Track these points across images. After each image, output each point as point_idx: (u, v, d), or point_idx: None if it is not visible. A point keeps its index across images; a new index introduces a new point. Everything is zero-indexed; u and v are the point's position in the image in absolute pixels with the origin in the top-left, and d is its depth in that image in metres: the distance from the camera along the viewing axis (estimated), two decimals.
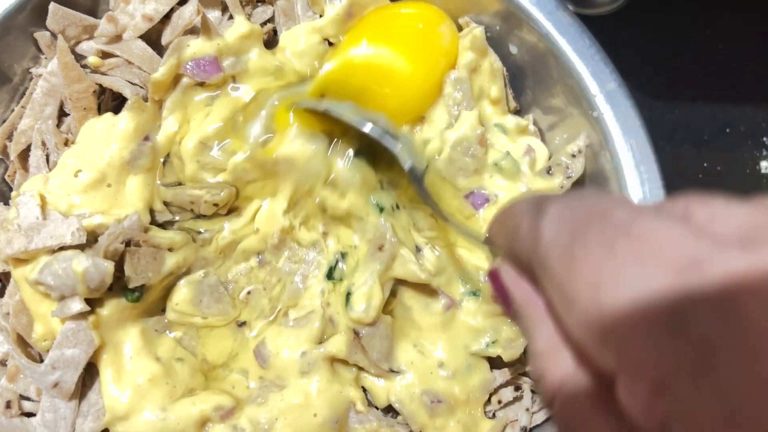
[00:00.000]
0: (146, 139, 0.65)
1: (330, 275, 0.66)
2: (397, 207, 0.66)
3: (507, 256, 0.35)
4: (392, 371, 0.63)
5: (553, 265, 0.28)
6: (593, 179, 0.68)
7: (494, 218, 0.38)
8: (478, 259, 0.65)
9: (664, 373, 0.24)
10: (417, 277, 0.63)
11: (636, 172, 0.63)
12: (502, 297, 0.36)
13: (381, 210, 0.65)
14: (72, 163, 0.64)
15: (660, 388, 0.24)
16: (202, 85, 0.67)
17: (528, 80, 0.73)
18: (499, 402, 0.65)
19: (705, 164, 0.85)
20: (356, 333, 0.62)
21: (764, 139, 0.87)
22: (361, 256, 0.65)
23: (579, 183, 0.68)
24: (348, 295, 0.63)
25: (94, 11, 0.71)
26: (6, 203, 0.70)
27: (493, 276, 0.37)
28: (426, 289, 0.64)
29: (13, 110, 0.69)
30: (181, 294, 0.64)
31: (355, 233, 0.66)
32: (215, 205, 0.65)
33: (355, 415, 0.63)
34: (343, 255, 0.66)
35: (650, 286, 0.24)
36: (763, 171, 0.86)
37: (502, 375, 0.65)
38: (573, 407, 0.29)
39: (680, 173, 0.79)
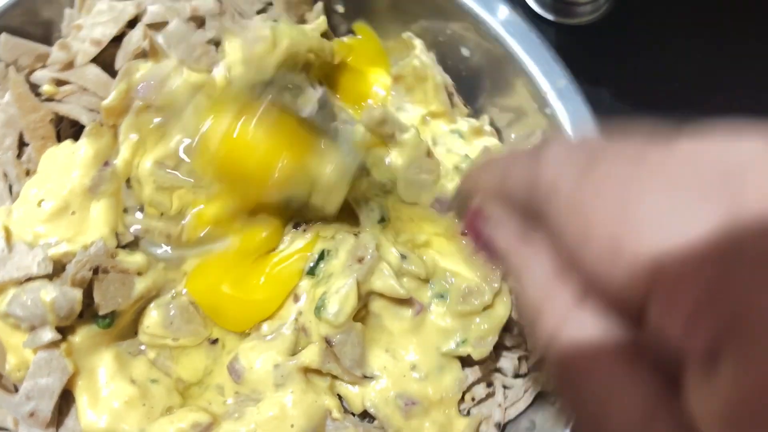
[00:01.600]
0: (106, 164, 0.66)
1: (312, 272, 0.67)
2: (383, 219, 0.67)
3: (493, 200, 0.34)
4: (366, 377, 0.64)
5: (562, 199, 0.27)
6: None
7: (475, 167, 0.37)
8: (448, 262, 0.66)
9: (714, 280, 0.21)
10: (396, 293, 0.63)
11: None
12: (481, 243, 0.35)
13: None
14: (35, 192, 0.64)
15: (710, 296, 0.21)
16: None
17: (484, 80, 0.74)
18: (473, 399, 0.67)
19: None
20: (328, 342, 0.63)
21: None
22: (340, 264, 0.65)
23: None
24: (321, 300, 0.64)
25: (47, 39, 0.71)
26: None
27: (471, 223, 0.36)
28: (396, 299, 0.65)
29: None
30: (151, 317, 0.65)
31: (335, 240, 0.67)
32: (168, 237, 0.66)
33: (332, 422, 0.63)
34: (326, 253, 0.67)
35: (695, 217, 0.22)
36: None
37: (474, 373, 0.66)
38: (575, 351, 0.26)
39: None
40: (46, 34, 0.72)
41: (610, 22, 0.86)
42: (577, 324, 0.26)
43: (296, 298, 0.66)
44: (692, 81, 0.86)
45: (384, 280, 0.63)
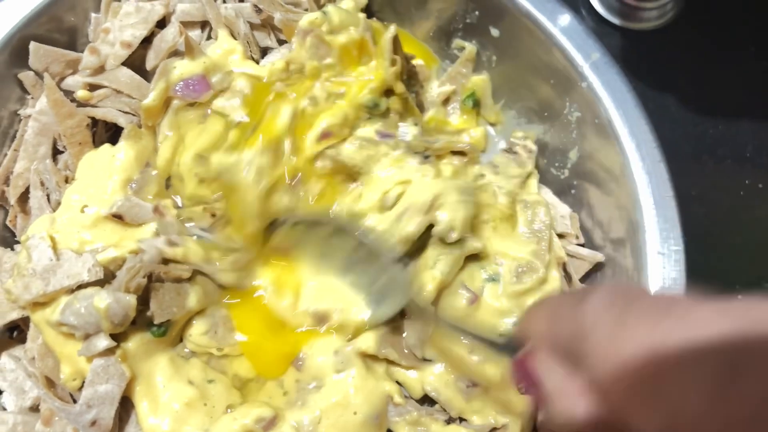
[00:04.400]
0: (147, 165, 0.65)
1: None
2: None
3: (543, 343, 0.41)
4: (425, 360, 0.63)
5: (602, 333, 0.35)
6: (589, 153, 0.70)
7: (528, 313, 0.45)
8: (498, 244, 0.66)
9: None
10: None
11: (632, 141, 0.65)
12: (529, 382, 0.43)
13: None
14: (77, 199, 0.64)
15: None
16: (192, 104, 0.67)
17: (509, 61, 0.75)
18: None
19: (747, 181, 0.83)
20: (402, 315, 0.63)
21: None
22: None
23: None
24: None
25: (72, 46, 0.71)
26: (11, 248, 0.69)
27: (520, 365, 0.44)
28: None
29: (5, 155, 0.69)
30: (196, 327, 0.64)
31: None
32: (213, 215, 0.65)
33: (394, 408, 0.63)
34: None
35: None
36: None
37: None
38: None
39: (722, 188, 0.78)
40: (71, 41, 0.71)
41: (676, 27, 0.85)
42: None
43: None
44: (759, 89, 0.86)
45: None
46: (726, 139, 0.85)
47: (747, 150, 0.85)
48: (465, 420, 0.64)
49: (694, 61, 0.84)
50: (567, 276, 0.67)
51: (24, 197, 0.68)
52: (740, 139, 0.85)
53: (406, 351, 0.64)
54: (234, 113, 0.65)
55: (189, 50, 0.66)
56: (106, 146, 0.66)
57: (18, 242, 0.69)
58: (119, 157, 0.64)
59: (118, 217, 0.63)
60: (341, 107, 0.66)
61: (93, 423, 0.60)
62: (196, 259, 0.63)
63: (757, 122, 0.86)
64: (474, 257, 0.65)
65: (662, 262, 0.63)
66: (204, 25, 0.72)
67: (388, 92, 0.68)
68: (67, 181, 0.67)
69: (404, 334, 0.64)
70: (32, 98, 0.69)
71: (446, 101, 0.76)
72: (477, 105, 0.76)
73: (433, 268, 0.63)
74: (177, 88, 0.66)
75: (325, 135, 0.65)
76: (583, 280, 0.69)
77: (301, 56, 0.68)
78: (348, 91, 0.67)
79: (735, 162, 0.84)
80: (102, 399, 0.60)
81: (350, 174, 0.67)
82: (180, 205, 0.67)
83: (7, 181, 0.68)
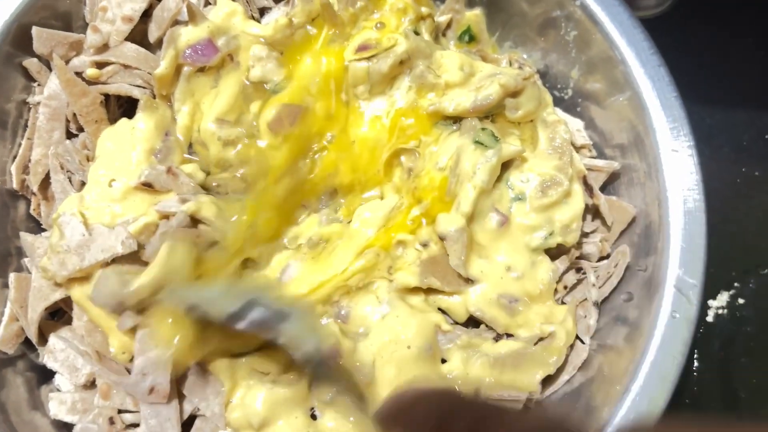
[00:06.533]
0: (167, 134, 0.66)
1: None
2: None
3: None
4: (468, 281, 0.65)
5: None
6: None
7: None
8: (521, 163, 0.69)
9: None
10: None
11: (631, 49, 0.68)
12: None
13: None
14: (103, 173, 0.64)
15: None
16: (202, 70, 0.68)
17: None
18: (565, 287, 0.69)
19: (743, 169, 0.86)
20: (442, 237, 0.65)
21: None
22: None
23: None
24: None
25: (69, 30, 0.71)
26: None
27: None
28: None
29: (20, 144, 0.68)
30: None
31: None
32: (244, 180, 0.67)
33: (443, 335, 0.65)
34: None
35: None
36: None
37: (562, 263, 0.68)
38: None
39: (718, 177, 0.80)
40: (66, 25, 0.71)
41: (673, 16, 0.87)
42: None
43: None
44: (757, 78, 0.88)
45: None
46: (723, 127, 0.87)
47: (744, 139, 0.87)
48: (512, 335, 0.66)
49: (692, 50, 0.85)
50: (588, 187, 0.70)
51: (45, 184, 0.68)
52: (737, 128, 0.88)
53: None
54: (275, 75, 0.67)
55: (192, 16, 0.67)
56: (124, 120, 0.66)
57: (44, 230, 0.69)
58: (139, 127, 0.65)
59: (147, 186, 0.63)
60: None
61: (151, 390, 0.61)
62: (208, 214, 0.64)
63: (754, 111, 0.88)
64: (503, 173, 0.67)
65: (676, 159, 0.66)
66: None
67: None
68: (88, 160, 0.67)
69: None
70: (38, 85, 0.69)
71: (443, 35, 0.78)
72: (473, 40, 0.78)
73: (473, 177, 0.65)
74: (186, 54, 0.66)
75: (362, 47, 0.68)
76: (602, 189, 0.71)
77: (303, 11, 0.69)
78: (387, 24, 0.69)
79: (732, 150, 0.87)
80: (154, 365, 0.60)
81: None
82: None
83: (25, 170, 0.68)
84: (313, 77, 0.68)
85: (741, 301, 0.81)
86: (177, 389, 0.62)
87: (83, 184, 0.66)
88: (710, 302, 0.80)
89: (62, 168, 0.67)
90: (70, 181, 0.67)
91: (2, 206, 0.68)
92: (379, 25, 0.69)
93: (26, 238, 0.67)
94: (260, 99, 0.67)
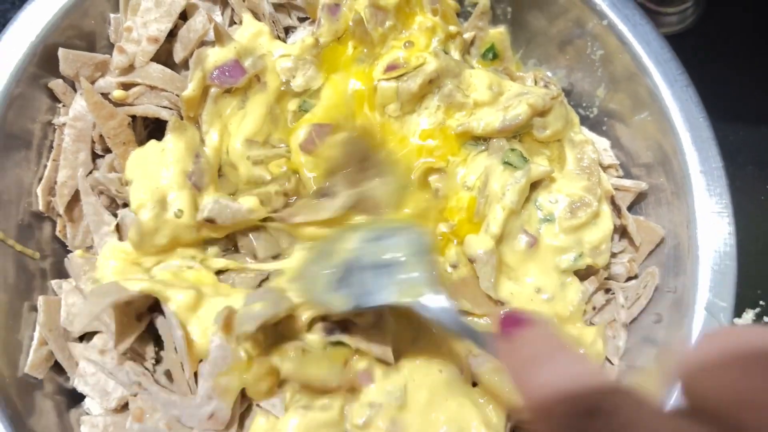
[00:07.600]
0: (198, 156, 0.65)
1: None
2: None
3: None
4: (499, 302, 0.65)
5: None
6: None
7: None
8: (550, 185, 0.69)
9: None
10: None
11: (658, 69, 0.68)
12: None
13: None
14: (144, 197, 0.63)
15: None
16: (229, 91, 0.68)
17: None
18: (594, 308, 0.69)
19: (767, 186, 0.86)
20: (472, 260, 0.65)
21: None
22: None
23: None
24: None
25: (92, 50, 0.70)
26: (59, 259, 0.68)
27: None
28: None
29: (45, 166, 0.68)
30: None
31: None
32: (286, 195, 0.66)
33: (474, 359, 0.65)
34: None
35: None
36: None
37: (591, 283, 0.68)
38: None
39: (743, 193, 0.78)
40: (90, 46, 0.71)
41: (696, 32, 0.87)
42: None
43: None
44: None
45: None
46: (747, 145, 0.87)
47: None
48: None
49: (714, 66, 0.84)
50: (615, 207, 0.70)
51: (71, 206, 0.67)
52: (761, 145, 0.87)
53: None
54: (314, 82, 0.68)
55: (219, 37, 0.66)
56: (152, 142, 0.65)
57: (70, 251, 0.69)
58: (169, 148, 0.64)
59: (210, 222, 0.63)
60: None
61: (211, 416, 0.59)
62: None
63: None
64: (531, 194, 0.67)
65: (705, 181, 0.66)
66: (223, 7, 0.73)
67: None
68: (122, 183, 0.67)
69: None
70: (63, 106, 0.68)
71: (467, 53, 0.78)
72: (496, 57, 0.78)
73: (502, 198, 0.65)
74: (213, 75, 0.66)
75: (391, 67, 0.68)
76: (629, 209, 0.71)
77: (329, 30, 0.69)
78: (416, 42, 0.68)
79: (756, 167, 0.87)
80: (224, 391, 0.59)
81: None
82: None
83: (51, 192, 0.67)
84: (342, 96, 0.68)
85: (766, 319, 0.81)
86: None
87: (116, 205, 0.67)
88: (736, 320, 0.81)
89: (93, 190, 0.67)
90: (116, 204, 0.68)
91: (27, 228, 0.67)
92: (407, 44, 0.69)
93: (76, 260, 0.67)
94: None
